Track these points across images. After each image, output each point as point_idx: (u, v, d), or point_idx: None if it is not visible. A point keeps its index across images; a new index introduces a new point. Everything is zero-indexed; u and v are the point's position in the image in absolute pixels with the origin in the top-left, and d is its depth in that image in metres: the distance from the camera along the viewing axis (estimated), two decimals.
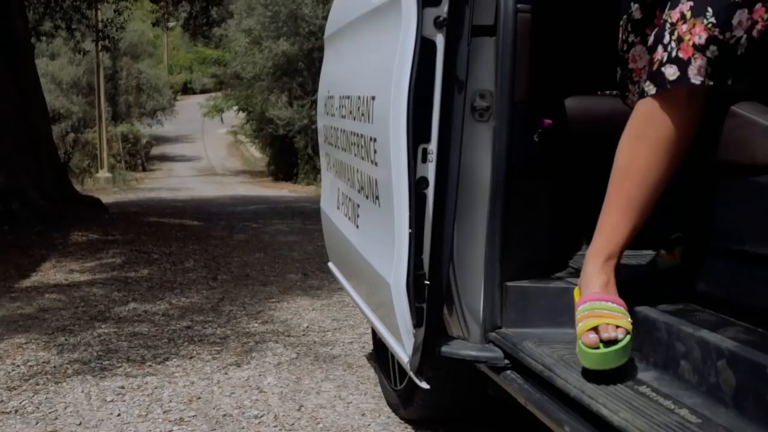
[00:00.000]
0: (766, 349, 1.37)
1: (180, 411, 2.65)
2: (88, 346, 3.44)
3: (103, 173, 24.56)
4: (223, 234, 7.38)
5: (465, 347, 1.91)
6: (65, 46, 22.59)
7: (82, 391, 2.85)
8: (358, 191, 2.22)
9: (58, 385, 2.93)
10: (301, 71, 20.67)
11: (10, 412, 2.67)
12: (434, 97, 1.80)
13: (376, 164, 1.98)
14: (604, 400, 1.46)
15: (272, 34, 20.66)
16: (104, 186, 22.04)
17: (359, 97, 2.14)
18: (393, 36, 1.85)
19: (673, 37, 1.49)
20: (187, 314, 4.02)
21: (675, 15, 1.50)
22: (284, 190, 18.60)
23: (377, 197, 1.99)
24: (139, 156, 29.54)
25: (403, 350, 1.93)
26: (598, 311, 1.55)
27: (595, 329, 1.52)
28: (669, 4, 1.53)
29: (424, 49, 1.77)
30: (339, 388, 2.86)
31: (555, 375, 1.63)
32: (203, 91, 47.67)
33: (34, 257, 5.95)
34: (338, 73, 2.59)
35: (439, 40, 1.78)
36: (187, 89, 52.15)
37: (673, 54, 1.48)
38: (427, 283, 1.83)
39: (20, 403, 2.74)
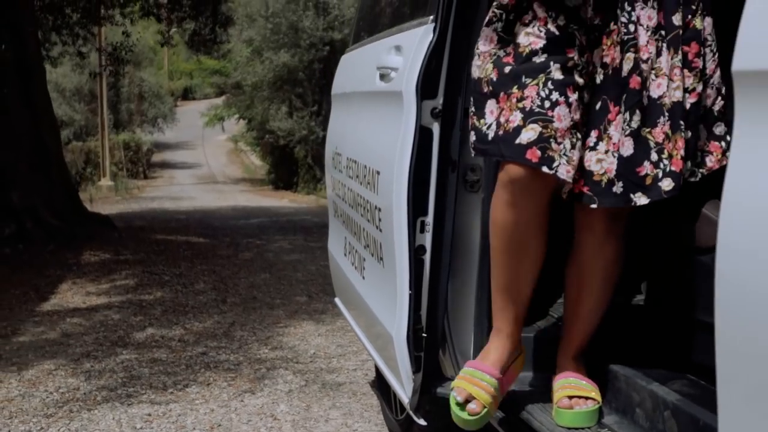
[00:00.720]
0: (703, 403, 1.67)
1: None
2: (112, 373, 3.74)
3: (106, 181, 24.82)
4: (228, 252, 7.69)
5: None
6: (68, 54, 22.96)
7: (113, 419, 3.15)
8: (365, 247, 2.53)
9: (90, 412, 3.23)
10: (301, 82, 20.97)
11: None
12: (431, 176, 2.11)
13: (380, 230, 2.28)
14: None
15: (273, 45, 20.95)
16: (107, 194, 22.28)
17: (366, 167, 2.45)
18: (395, 122, 2.16)
19: (663, 156, 1.77)
20: (201, 340, 4.32)
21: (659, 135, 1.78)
22: (285, 200, 18.89)
23: (381, 258, 2.30)
24: (140, 164, 29.85)
25: (403, 392, 2.23)
26: (468, 376, 1.89)
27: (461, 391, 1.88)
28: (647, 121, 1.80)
29: (422, 135, 2.08)
30: (345, 416, 3.17)
31: (532, 417, 1.94)
32: (204, 97, 47.92)
33: (50, 278, 6.25)
34: (346, 135, 2.89)
35: (435, 127, 2.09)
36: (187, 95, 52.42)
37: (667, 169, 1.76)
38: (425, 335, 2.14)
39: (58, 430, 3.05)
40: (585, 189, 1.83)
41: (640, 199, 1.78)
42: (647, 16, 1.77)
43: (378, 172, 2.30)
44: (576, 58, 1.77)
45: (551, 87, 1.75)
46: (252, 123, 26.12)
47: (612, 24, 1.78)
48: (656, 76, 1.78)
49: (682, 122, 1.76)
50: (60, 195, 8.50)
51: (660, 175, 1.76)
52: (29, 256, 7.33)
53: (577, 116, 1.78)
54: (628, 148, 1.78)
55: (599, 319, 1.97)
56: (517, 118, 1.75)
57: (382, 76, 2.34)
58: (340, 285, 3.12)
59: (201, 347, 4.17)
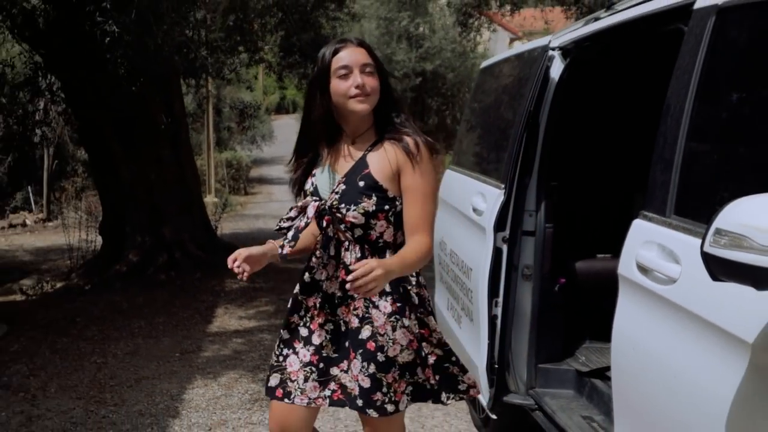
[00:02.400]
0: None
1: (354, 424, 4.59)
2: None
3: (211, 198, 26.89)
4: None
5: (516, 398, 3.78)
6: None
7: None
8: (461, 309, 4.14)
9: None
10: None
11: (256, 423, 4.65)
12: (501, 273, 3.70)
13: (471, 302, 3.89)
14: (575, 428, 3.33)
15: None
16: (213, 211, 24.36)
17: (463, 261, 4.06)
18: (481, 241, 3.76)
19: (390, 390, 2.60)
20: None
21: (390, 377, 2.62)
22: None
23: (471, 319, 3.91)
24: (241, 180, 32.07)
25: (484, 399, 3.82)
26: None
27: None
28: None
29: (496, 252, 3.67)
30: (445, 415, 4.76)
31: (557, 415, 3.50)
32: (296, 109, 49.88)
33: (206, 303, 8.04)
34: (451, 232, 4.51)
35: (504, 247, 3.68)
36: (280, 109, 54.59)
37: (392, 398, 2.61)
38: (496, 366, 3.73)
39: (258, 417, 4.73)
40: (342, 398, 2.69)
41: (373, 413, 2.61)
42: (384, 305, 2.61)
43: (471, 269, 3.91)
44: (297, 320, 2.72)
45: (282, 345, 2.74)
46: None
47: (349, 300, 2.64)
48: (393, 343, 2.61)
49: (407, 372, 2.67)
50: (201, 230, 10.37)
51: (388, 400, 2.62)
52: (181, 282, 9.15)
53: (307, 359, 2.67)
54: (365, 383, 2.60)
55: None
56: (270, 371, 2.77)
57: (474, 210, 3.95)
58: (444, 328, 4.74)
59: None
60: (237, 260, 2.60)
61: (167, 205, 9.87)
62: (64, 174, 26.49)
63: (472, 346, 3.94)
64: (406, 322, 2.64)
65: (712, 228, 1.69)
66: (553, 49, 3.72)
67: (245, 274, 2.60)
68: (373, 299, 2.61)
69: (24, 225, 22.21)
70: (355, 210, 2.60)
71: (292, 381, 2.69)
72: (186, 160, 10.45)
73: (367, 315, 2.63)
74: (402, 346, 2.64)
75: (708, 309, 2.07)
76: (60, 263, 14.27)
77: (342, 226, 2.65)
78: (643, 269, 2.43)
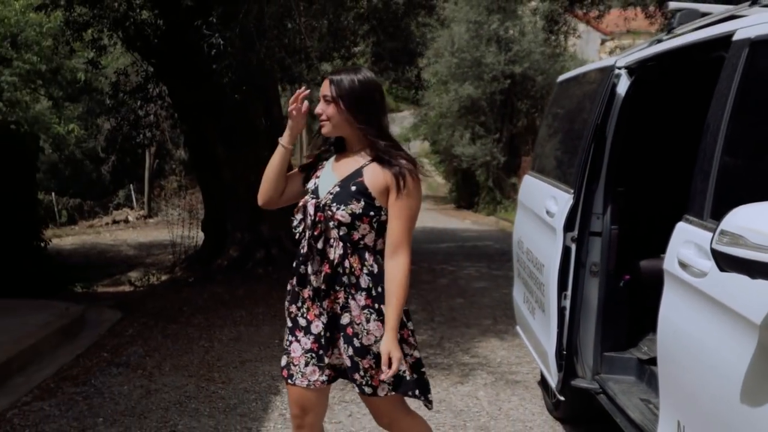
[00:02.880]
0: None
1: (436, 405, 5.06)
2: None
3: None
4: (429, 278, 9.89)
5: (583, 382, 4.21)
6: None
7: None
8: (535, 301, 4.59)
9: None
10: (484, 111, 23.05)
11: (348, 402, 5.18)
12: (570, 269, 4.13)
13: (543, 295, 4.34)
14: (633, 409, 3.75)
15: (458, 78, 23.14)
16: None
17: (537, 258, 4.51)
18: (552, 240, 4.20)
19: (367, 375, 2.99)
20: (422, 348, 6.46)
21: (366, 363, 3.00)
22: (467, 221, 21.01)
23: (543, 310, 4.36)
24: None
25: (552, 382, 4.26)
26: None
27: None
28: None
29: (565, 250, 4.11)
30: (520, 399, 5.21)
31: (618, 397, 3.92)
32: (390, 111, 50.52)
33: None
34: (527, 232, 4.96)
35: (573, 246, 4.11)
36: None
37: (369, 382, 3.00)
38: (565, 353, 4.16)
39: (351, 396, 5.26)
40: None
41: (357, 389, 3.06)
42: (359, 298, 2.99)
43: (543, 265, 4.36)
44: (295, 310, 3.07)
45: (287, 333, 3.13)
46: (436, 145, 28.51)
47: (332, 292, 3.01)
48: (367, 333, 2.99)
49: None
50: None
51: (365, 383, 3.02)
52: (277, 276, 9.78)
53: (308, 346, 3.04)
54: (347, 362, 3.03)
55: None
56: (283, 353, 3.18)
57: (547, 212, 4.40)
58: (520, 318, 5.19)
59: (423, 353, 6.31)
60: (297, 104, 3.13)
61: None
62: (163, 173, 27.77)
63: (544, 335, 4.39)
64: (378, 316, 3.01)
65: (718, 229, 2.12)
66: (620, 68, 4.14)
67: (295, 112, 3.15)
68: (352, 291, 3.02)
69: (126, 221, 23.45)
70: (344, 210, 2.99)
71: (294, 365, 3.10)
72: None
73: (346, 305, 3.03)
74: (376, 337, 3.00)
75: (727, 297, 2.49)
76: (162, 257, 15.21)
77: (330, 224, 3.02)
78: (683, 264, 2.85)
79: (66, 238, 20.52)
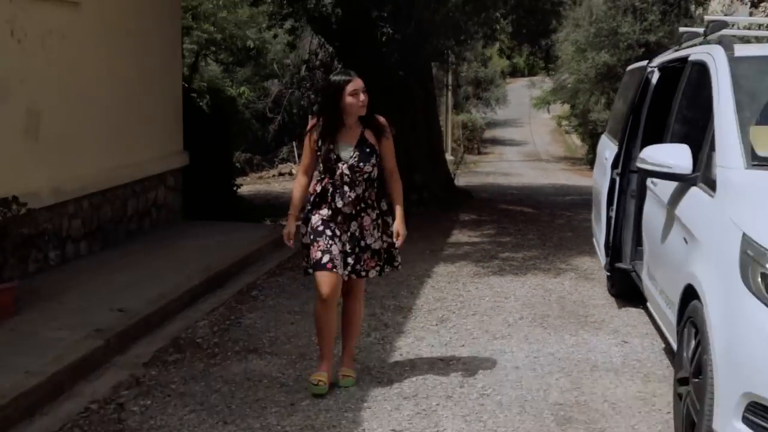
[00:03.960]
0: None
1: (539, 290, 7.71)
2: (497, 264, 8.66)
3: (447, 156, 30.55)
4: (548, 219, 12.49)
5: (623, 265, 6.81)
6: None
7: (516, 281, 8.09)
8: (595, 213, 7.23)
9: (502, 276, 8.18)
10: (619, 78, 25.03)
11: (477, 282, 7.93)
12: (615, 194, 6.72)
13: (598, 210, 6.98)
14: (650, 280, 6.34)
15: (595, 46, 25.24)
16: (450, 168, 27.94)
17: (598, 187, 7.15)
18: (605, 176, 6.82)
19: (362, 265, 4.99)
20: (532, 259, 9.13)
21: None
22: None
23: (599, 219, 7.00)
24: (475, 141, 35.57)
25: (602, 261, 6.91)
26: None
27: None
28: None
29: (612, 181, 6.70)
30: (592, 287, 7.80)
31: (639, 275, 6.52)
32: (530, 74, 52.42)
33: (446, 227, 11.43)
34: (596, 173, 7.58)
35: (617, 179, 6.70)
36: (515, 72, 57.16)
37: (364, 267, 5.03)
38: (611, 245, 6.77)
39: (476, 286, 8.01)
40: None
41: (354, 276, 4.97)
42: (371, 214, 4.93)
43: (600, 191, 7.00)
44: (332, 227, 4.85)
45: (328, 239, 4.84)
46: (574, 109, 30.65)
47: (355, 214, 4.88)
48: (370, 236, 4.93)
49: (376, 255, 5.01)
50: (443, 177, 13.84)
51: (361, 269, 4.96)
52: (428, 215, 12.57)
53: (340, 249, 4.85)
54: (351, 258, 4.92)
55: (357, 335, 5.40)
56: (321, 254, 4.85)
57: (605, 158, 7.01)
58: (593, 230, 7.82)
59: (532, 261, 8.99)
60: (291, 240, 4.99)
61: (419, 158, 13.37)
62: None
63: (600, 235, 7.02)
64: (378, 227, 4.99)
65: (639, 157, 4.76)
66: (653, 67, 6.68)
67: (291, 242, 4.99)
68: (368, 211, 4.92)
69: (291, 174, 26.83)
70: (367, 164, 4.89)
71: (336, 260, 4.87)
72: (433, 125, 13.92)
73: (361, 219, 4.93)
74: (375, 238, 4.98)
75: (659, 192, 5.11)
76: None
77: (357, 175, 4.89)
78: (652, 182, 5.45)
79: (242, 187, 24.05)
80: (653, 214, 5.43)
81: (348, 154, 4.89)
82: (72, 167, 7.83)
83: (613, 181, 6.71)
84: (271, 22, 13.19)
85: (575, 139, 37.03)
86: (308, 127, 5.12)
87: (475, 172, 26.59)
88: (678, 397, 4.16)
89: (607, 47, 25.04)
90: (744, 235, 3.58)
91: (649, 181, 5.58)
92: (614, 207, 6.72)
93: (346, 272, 4.95)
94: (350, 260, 4.94)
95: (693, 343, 3.94)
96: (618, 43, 24.63)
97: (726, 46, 4.94)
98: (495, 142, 40.27)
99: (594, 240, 7.86)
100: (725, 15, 15.99)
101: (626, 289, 7.13)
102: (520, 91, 47.43)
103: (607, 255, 6.80)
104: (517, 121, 46.16)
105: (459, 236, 10.79)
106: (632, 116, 6.65)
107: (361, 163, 4.87)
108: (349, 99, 4.82)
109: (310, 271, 4.96)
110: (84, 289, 6.83)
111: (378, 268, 5.07)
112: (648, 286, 5.66)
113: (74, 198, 7.95)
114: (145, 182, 9.55)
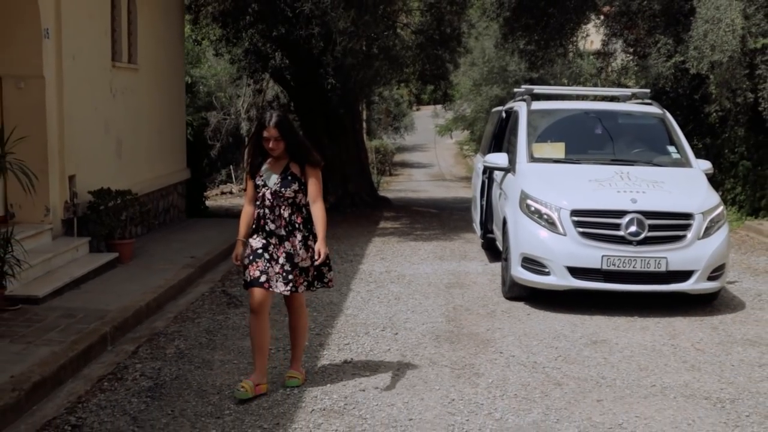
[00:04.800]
0: None
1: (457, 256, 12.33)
2: (413, 239, 13.25)
3: None
4: (447, 216, 17.26)
5: (491, 235, 11.47)
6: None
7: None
8: (474, 205, 11.99)
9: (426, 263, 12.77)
10: None
11: (406, 252, 12.51)
12: (485, 190, 11.43)
13: (475, 201, 11.72)
14: (495, 227, 11.06)
15: (489, 81, 30.36)
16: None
17: (476, 186, 11.90)
18: (478, 178, 11.57)
19: (293, 280, 5.57)
20: (435, 236, 13.74)
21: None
22: None
23: (476, 207, 11.74)
24: (387, 164, 40.21)
25: (478, 234, 11.62)
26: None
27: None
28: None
29: (483, 182, 11.42)
30: (478, 250, 12.49)
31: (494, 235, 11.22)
32: (434, 102, 57.36)
33: (374, 220, 16.03)
34: (473, 178, 12.33)
35: (486, 180, 11.42)
36: (420, 100, 62.06)
37: (295, 284, 5.60)
38: (483, 222, 11.47)
39: (401, 250, 12.58)
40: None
41: (286, 291, 5.54)
42: (298, 236, 5.53)
43: (476, 188, 11.74)
44: (267, 251, 5.51)
45: (265, 261, 5.55)
46: (473, 134, 35.76)
47: (285, 235, 5.50)
48: (298, 256, 5.52)
49: (303, 272, 5.63)
50: (369, 186, 18.51)
51: (291, 285, 5.54)
52: (359, 213, 17.17)
53: (278, 269, 5.51)
54: (282, 276, 5.51)
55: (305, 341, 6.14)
56: (260, 273, 5.53)
57: (478, 167, 11.74)
58: (473, 215, 12.54)
59: (435, 235, 13.60)
60: (238, 261, 5.68)
61: (351, 172, 18.02)
62: None
63: (476, 216, 11.72)
64: (305, 248, 5.56)
65: (484, 159, 9.47)
66: (503, 110, 11.43)
67: (239, 263, 5.69)
68: (295, 232, 5.52)
69: (231, 193, 31.03)
70: (288, 190, 5.52)
71: (271, 280, 5.54)
72: (361, 148, 18.59)
73: (290, 240, 5.54)
74: (302, 258, 5.53)
75: (499, 180, 9.85)
76: None
77: (281, 199, 5.53)
78: (495, 174, 10.19)
79: None
80: (494, 189, 10.11)
81: (272, 181, 5.61)
82: (136, 175, 12.10)
83: (483, 182, 11.35)
84: (240, 73, 17.88)
85: (475, 161, 42.04)
86: (246, 167, 6.03)
87: (389, 190, 31.08)
88: (503, 264, 8.81)
89: (498, 82, 30.17)
90: (521, 190, 8.29)
91: (493, 173, 10.27)
92: (485, 198, 11.34)
93: (288, 288, 5.58)
94: (291, 277, 5.57)
95: (504, 241, 8.61)
96: (507, 79, 29.77)
97: (528, 102, 9.73)
98: (404, 165, 44.79)
99: (473, 222, 12.51)
100: (603, 49, 20.49)
101: (490, 246, 11.79)
102: (425, 120, 52.19)
103: (481, 228, 11.43)
104: (424, 146, 50.86)
105: (384, 224, 15.41)
106: (494, 140, 11.34)
107: (283, 189, 5.55)
108: (264, 143, 5.61)
109: (246, 286, 5.64)
110: (164, 248, 11.17)
111: (306, 283, 5.70)
112: (494, 229, 10.39)
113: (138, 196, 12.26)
114: (166, 189, 13.84)
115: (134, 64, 12.21)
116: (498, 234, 9.99)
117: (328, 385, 5.87)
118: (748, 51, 13.66)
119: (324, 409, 5.36)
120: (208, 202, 27.95)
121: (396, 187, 33.84)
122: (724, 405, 5.49)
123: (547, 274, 8.01)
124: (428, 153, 49.63)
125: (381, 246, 12.43)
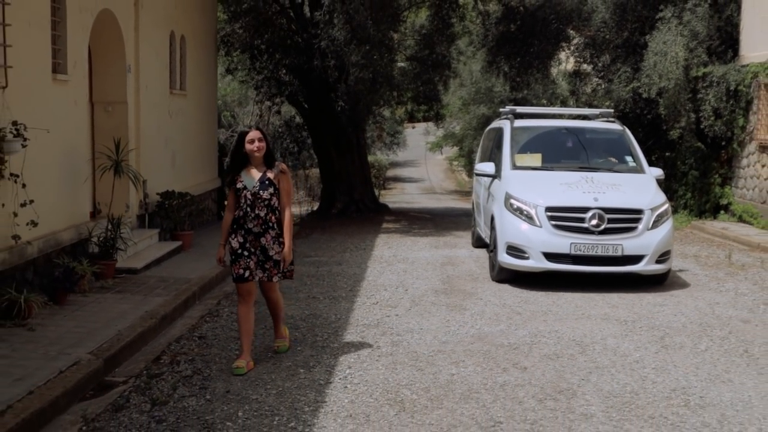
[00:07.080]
0: None
1: (453, 250, 15.17)
2: (412, 235, 16.10)
3: None
4: (440, 220, 20.10)
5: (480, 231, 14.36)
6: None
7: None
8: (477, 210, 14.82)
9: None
10: None
11: (409, 244, 15.35)
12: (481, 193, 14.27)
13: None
14: (483, 224, 13.95)
15: (476, 101, 33.32)
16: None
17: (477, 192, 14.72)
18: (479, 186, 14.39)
19: (268, 270, 6.82)
20: (429, 233, 16.59)
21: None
22: None
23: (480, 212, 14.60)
24: (380, 178, 43.01)
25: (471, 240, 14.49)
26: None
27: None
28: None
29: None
30: (464, 246, 15.34)
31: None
32: (425, 119, 60.24)
33: (377, 222, 18.87)
34: (475, 186, 15.12)
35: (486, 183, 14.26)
36: (412, 117, 64.93)
37: (270, 275, 6.82)
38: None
39: (403, 243, 15.43)
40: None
41: (266, 279, 6.79)
42: (272, 234, 6.65)
43: (478, 194, 14.56)
44: (245, 248, 6.65)
45: (245, 257, 6.70)
46: (462, 151, 38.68)
47: (262, 233, 6.66)
48: (273, 250, 6.66)
49: (277, 265, 6.77)
50: (371, 194, 21.37)
51: (266, 275, 6.78)
52: (364, 217, 20.02)
53: (255, 261, 6.68)
54: (260, 267, 6.75)
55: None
56: (244, 270, 6.75)
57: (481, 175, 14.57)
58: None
59: (430, 233, 16.44)
60: (222, 262, 6.82)
61: (356, 182, 20.88)
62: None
63: (479, 219, 14.56)
64: (278, 243, 6.65)
65: (475, 168, 12.36)
66: (496, 127, 14.30)
67: (222, 262, 6.85)
68: (269, 230, 6.57)
69: None
70: (265, 192, 6.50)
71: (253, 273, 6.68)
72: (364, 161, 21.51)
73: (265, 236, 6.59)
74: (276, 251, 6.61)
75: (487, 184, 12.73)
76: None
77: (259, 200, 6.52)
78: (484, 180, 13.07)
79: None
80: (483, 193, 12.95)
81: (251, 184, 6.56)
82: (185, 182, 14.89)
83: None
84: (259, 97, 20.96)
85: (464, 176, 44.87)
86: (227, 177, 6.90)
87: (386, 202, 34.07)
88: (490, 255, 11.62)
89: (485, 102, 33.14)
90: (506, 192, 11.11)
91: (483, 179, 13.09)
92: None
93: (265, 276, 6.70)
94: (267, 266, 6.67)
95: (492, 235, 11.46)
96: (493, 99, 32.72)
97: (511, 120, 12.61)
98: (397, 179, 47.59)
99: (475, 225, 15.35)
100: (575, 71, 23.42)
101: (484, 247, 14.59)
102: (417, 137, 55.04)
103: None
104: (415, 161, 53.68)
105: (387, 225, 18.28)
106: (492, 153, 14.17)
107: (261, 191, 6.50)
108: (247, 146, 6.42)
109: (234, 281, 6.81)
110: (210, 240, 13.92)
111: (279, 275, 6.78)
112: (482, 225, 13.25)
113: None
114: (204, 195, 16.66)
115: (184, 91, 15.09)
116: (486, 230, 12.77)
117: (364, 312, 8.72)
118: (692, 78, 16.69)
119: (365, 324, 8.25)
120: None
121: (390, 199, 36.50)
122: (626, 322, 8.33)
123: (527, 258, 10.27)
124: (419, 168, 52.44)
125: (386, 239, 15.27)
